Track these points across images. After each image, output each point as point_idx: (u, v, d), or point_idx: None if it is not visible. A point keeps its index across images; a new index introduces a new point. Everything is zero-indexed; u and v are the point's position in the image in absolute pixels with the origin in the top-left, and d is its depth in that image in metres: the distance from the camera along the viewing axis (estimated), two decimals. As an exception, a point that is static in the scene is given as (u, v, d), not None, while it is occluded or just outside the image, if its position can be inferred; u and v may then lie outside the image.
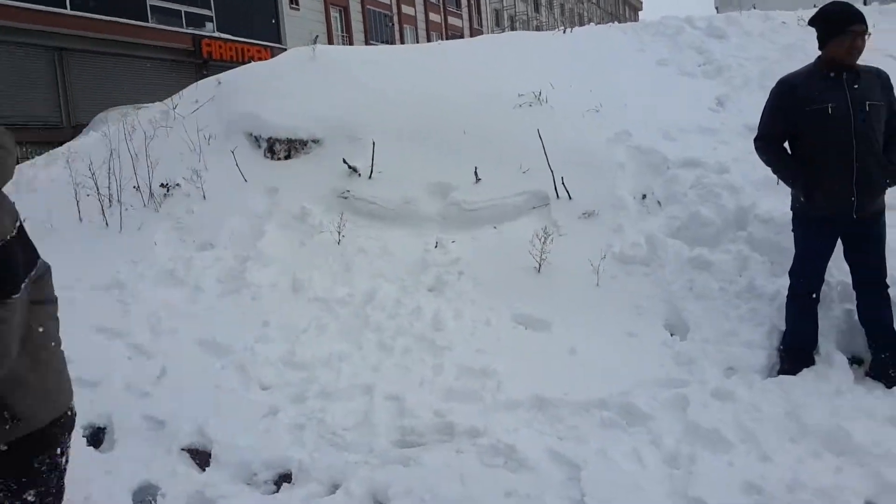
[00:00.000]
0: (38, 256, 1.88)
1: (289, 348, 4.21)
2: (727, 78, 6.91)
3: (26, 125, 17.17)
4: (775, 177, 4.13)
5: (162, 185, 6.22)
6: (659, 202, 5.16)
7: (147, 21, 21.74)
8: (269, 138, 6.56)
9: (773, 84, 3.80)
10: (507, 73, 7.11)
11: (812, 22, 3.69)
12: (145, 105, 10.06)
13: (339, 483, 3.13)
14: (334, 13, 31.59)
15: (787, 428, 3.18)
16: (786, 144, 3.74)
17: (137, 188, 6.19)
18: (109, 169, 6.25)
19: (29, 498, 1.90)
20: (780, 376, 3.61)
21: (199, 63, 22.70)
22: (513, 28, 47.26)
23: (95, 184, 6.08)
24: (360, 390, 3.77)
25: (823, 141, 3.50)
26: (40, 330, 1.88)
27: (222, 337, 4.36)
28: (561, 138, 5.66)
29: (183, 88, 8.46)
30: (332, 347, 4.18)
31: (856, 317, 3.75)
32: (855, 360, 3.71)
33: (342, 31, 32.12)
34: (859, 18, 3.49)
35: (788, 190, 3.83)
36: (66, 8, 19.22)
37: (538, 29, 44.84)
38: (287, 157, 6.44)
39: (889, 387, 3.45)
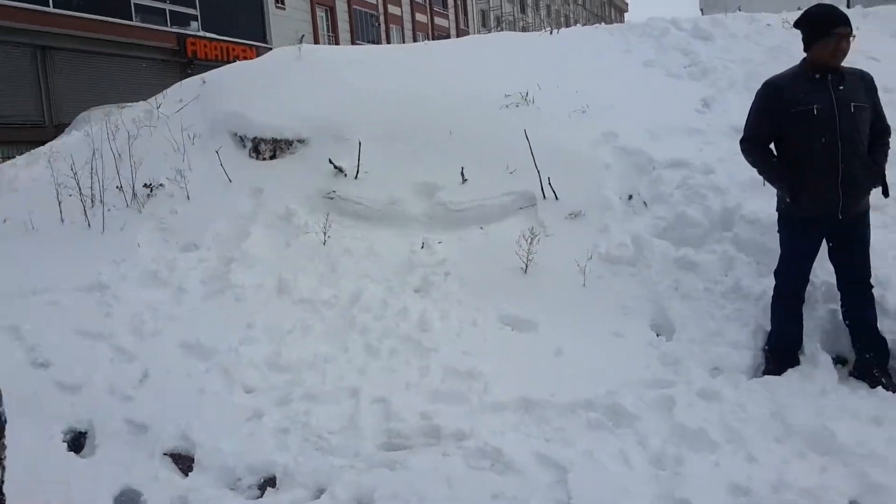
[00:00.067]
0: None
1: (274, 350, 4.18)
2: (713, 79, 6.93)
3: (8, 124, 16.98)
4: (761, 178, 4.14)
5: (145, 185, 6.15)
6: (645, 203, 5.17)
7: (131, 20, 21.57)
8: (255, 138, 6.50)
9: (759, 86, 3.82)
10: (493, 74, 7.10)
11: (797, 24, 3.70)
12: (129, 104, 9.95)
13: (324, 487, 3.11)
14: (320, 13, 31.49)
15: (772, 428, 3.19)
16: (771, 146, 3.75)
17: (120, 188, 6.12)
18: (92, 169, 6.17)
19: None
20: (766, 376, 3.62)
21: (184, 62, 22.55)
22: (499, 29, 47.31)
23: (77, 184, 6.01)
24: (345, 393, 3.74)
25: (809, 142, 3.52)
26: None
27: (206, 339, 4.31)
28: (547, 139, 5.65)
29: (167, 87, 8.37)
30: (318, 349, 4.15)
31: (840, 317, 3.77)
32: (839, 360, 3.74)
33: (328, 31, 32.03)
34: (844, 21, 3.51)
35: (774, 191, 3.85)
36: (49, 6, 19.03)
37: (524, 30, 44.93)
38: (272, 157, 6.40)
39: (873, 387, 3.47)
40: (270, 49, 16.90)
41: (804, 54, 3.67)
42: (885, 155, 3.68)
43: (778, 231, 3.83)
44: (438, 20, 43.32)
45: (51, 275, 5.23)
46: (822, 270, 3.91)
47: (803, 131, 3.53)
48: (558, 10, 62.18)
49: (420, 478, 3.08)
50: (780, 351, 3.72)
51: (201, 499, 3.11)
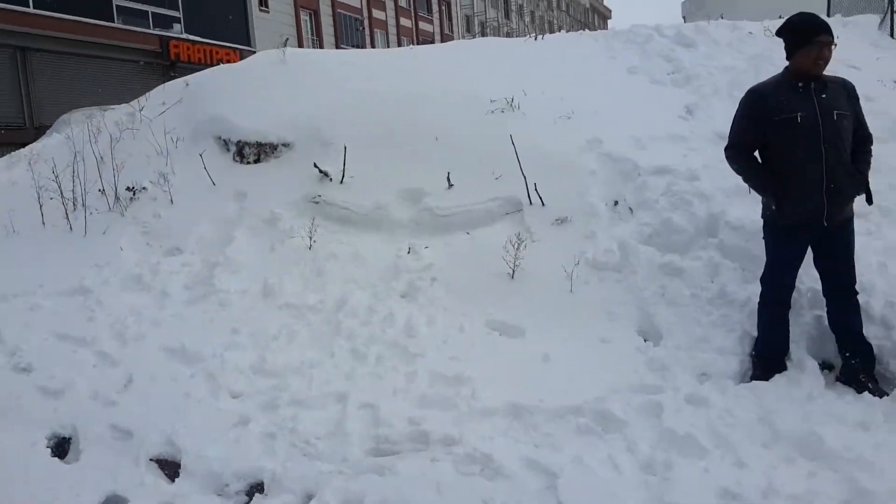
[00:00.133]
0: None
1: (259, 356, 4.14)
2: (696, 86, 7.00)
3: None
4: (745, 185, 4.18)
5: (128, 188, 6.09)
6: (630, 209, 5.19)
7: (113, 21, 21.39)
8: (239, 142, 6.47)
9: (742, 93, 3.84)
10: (479, 79, 7.11)
11: (779, 33, 3.74)
12: (111, 106, 9.86)
13: (312, 493, 3.08)
14: (304, 16, 31.44)
15: (760, 433, 3.20)
16: (756, 154, 3.78)
17: (102, 192, 6.06)
18: (74, 172, 6.11)
19: None
20: (753, 382, 3.64)
21: (167, 65, 22.39)
22: (483, 34, 47.49)
23: (59, 187, 5.94)
24: (332, 398, 3.71)
25: (793, 150, 3.54)
26: None
27: (191, 344, 4.27)
28: (533, 145, 5.66)
29: (150, 90, 8.31)
30: (304, 355, 4.12)
31: (826, 323, 3.79)
32: (826, 366, 3.76)
33: (312, 35, 31.97)
34: (826, 29, 3.55)
35: (758, 197, 3.88)
36: (29, 6, 18.82)
37: (508, 35, 45.09)
38: (257, 161, 6.36)
39: (859, 392, 3.49)
40: (254, 52, 16.82)
41: (786, 62, 3.70)
42: (868, 163, 3.72)
43: (763, 238, 3.85)
44: (423, 25, 43.39)
45: (32, 279, 5.16)
46: (808, 277, 3.95)
47: (787, 139, 3.55)
48: (542, 16, 62.52)
49: (409, 483, 3.06)
50: (767, 357, 3.74)
51: (187, 506, 3.07)
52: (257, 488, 3.20)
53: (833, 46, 3.59)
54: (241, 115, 6.64)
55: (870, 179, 3.70)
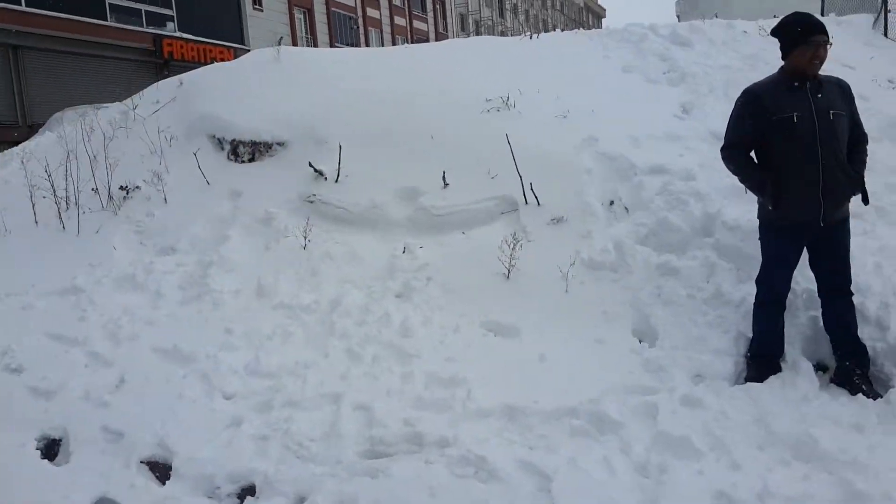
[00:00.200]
0: None
1: (253, 356, 4.11)
2: (691, 85, 6.99)
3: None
4: (741, 185, 4.16)
5: (121, 187, 6.06)
6: (626, 208, 5.18)
7: (106, 19, 21.31)
8: (233, 140, 6.43)
9: (737, 92, 3.83)
10: (474, 78, 7.09)
11: (774, 33, 3.72)
12: (104, 105, 9.82)
13: (305, 496, 3.05)
14: (298, 14, 31.36)
15: (755, 435, 3.19)
16: (752, 154, 3.77)
17: (96, 190, 6.03)
18: (66, 170, 6.06)
19: None
20: (748, 383, 3.63)
21: (160, 63, 22.33)
22: (478, 33, 47.47)
23: (52, 186, 5.90)
24: (326, 399, 3.68)
25: (789, 150, 3.53)
26: None
27: (184, 344, 4.24)
28: (529, 144, 5.65)
29: (143, 89, 8.26)
30: (298, 355, 4.09)
31: (821, 324, 3.79)
32: (820, 367, 3.76)
33: (306, 33, 31.90)
34: (821, 29, 3.54)
35: (754, 197, 3.87)
36: (21, 4, 18.72)
37: (503, 34, 45.09)
38: (251, 160, 6.33)
39: (853, 393, 3.49)
40: (248, 50, 16.76)
41: (781, 62, 3.69)
42: (864, 162, 3.72)
43: (759, 238, 3.84)
44: (417, 23, 43.34)
45: (24, 278, 5.13)
46: (803, 277, 3.94)
47: (783, 139, 3.54)
48: (536, 15, 62.53)
49: (402, 486, 3.04)
50: (762, 358, 3.74)
51: (179, 508, 3.04)
52: (249, 491, 3.17)
53: (828, 46, 3.58)
54: (236, 114, 6.61)
55: (865, 179, 3.69)
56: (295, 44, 28.49)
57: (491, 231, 5.19)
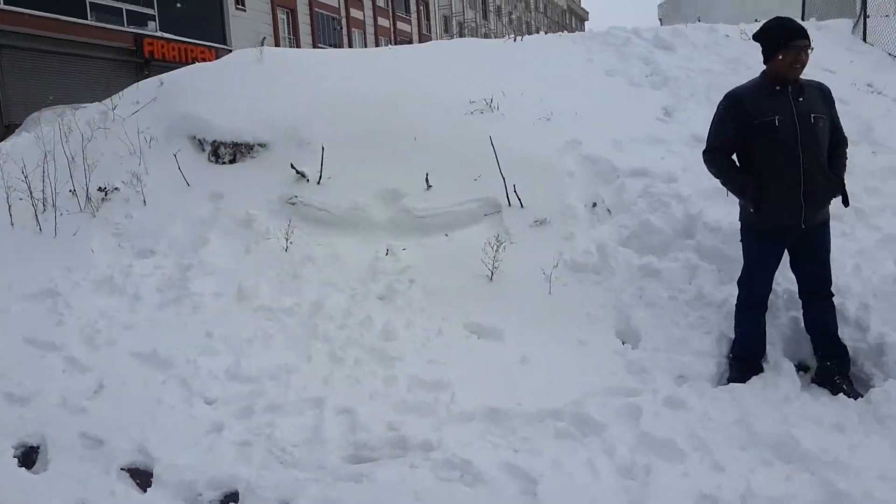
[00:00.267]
0: None
1: (234, 360, 4.06)
2: (674, 89, 7.03)
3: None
4: (723, 187, 4.18)
5: (100, 188, 5.98)
6: (609, 210, 5.19)
7: (86, 18, 21.09)
8: (214, 141, 6.38)
9: (719, 96, 3.85)
10: (457, 80, 7.08)
11: (756, 37, 3.74)
12: (83, 105, 9.70)
13: (288, 502, 3.02)
14: (281, 15, 31.22)
15: (737, 436, 3.20)
16: (734, 157, 3.79)
17: (73, 192, 5.94)
18: (44, 172, 5.97)
19: None
20: (730, 384, 3.65)
21: (141, 63, 22.13)
22: (461, 35, 47.50)
23: (29, 187, 5.81)
24: (309, 404, 3.65)
25: (771, 153, 3.55)
26: None
27: (163, 349, 4.18)
28: (512, 146, 5.65)
29: (123, 88, 8.17)
30: (280, 359, 4.05)
31: (802, 324, 3.82)
32: (801, 367, 3.79)
33: (289, 34, 31.76)
34: (802, 34, 3.56)
35: (735, 199, 3.89)
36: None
37: (486, 36, 45.21)
38: (232, 161, 6.28)
39: (834, 393, 3.52)
40: (230, 51, 16.64)
41: (762, 66, 3.72)
42: (844, 166, 3.75)
43: (741, 241, 3.86)
44: (401, 25, 43.30)
45: (-1, 281, 5.04)
46: (784, 279, 3.97)
47: (765, 142, 3.56)
48: (520, 17, 62.70)
49: (387, 491, 3.01)
50: (744, 359, 3.76)
51: (160, 515, 3.00)
52: (232, 497, 3.13)
53: (809, 50, 3.60)
54: (217, 115, 6.55)
55: (845, 182, 3.72)
56: (278, 44, 28.36)
57: (474, 233, 5.19)
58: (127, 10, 22.69)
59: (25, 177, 5.80)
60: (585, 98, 6.77)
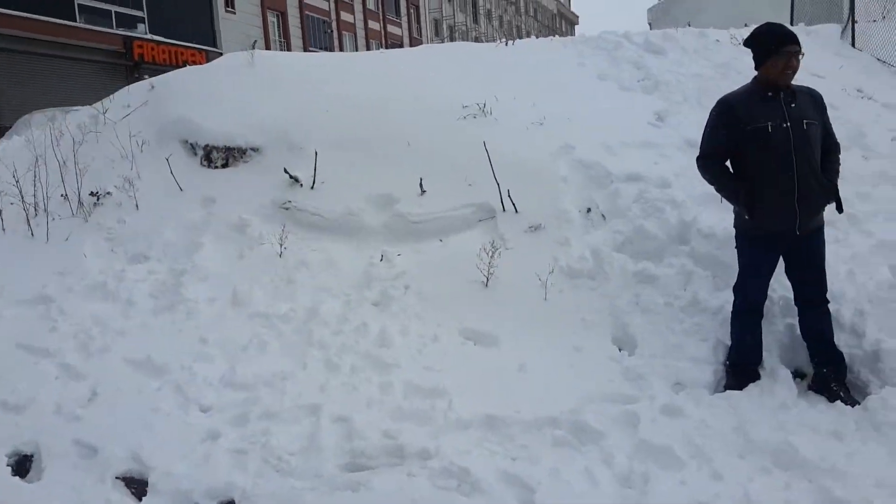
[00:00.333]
0: None
1: (229, 367, 4.05)
2: (665, 93, 7.06)
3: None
4: (717, 193, 4.19)
5: (91, 193, 5.94)
6: (603, 216, 5.20)
7: (75, 21, 20.95)
8: (206, 145, 6.35)
9: (710, 100, 3.86)
10: (450, 84, 7.08)
11: (747, 43, 3.76)
12: (73, 108, 9.63)
13: (285, 511, 3.01)
14: (271, 18, 31.13)
15: (735, 444, 3.20)
16: (727, 163, 3.80)
17: (65, 197, 5.90)
18: (35, 176, 5.93)
19: None
20: (727, 391, 3.65)
21: (131, 65, 22.00)
22: (452, 38, 47.56)
23: (20, 192, 5.76)
24: (305, 411, 3.63)
25: (764, 159, 3.56)
26: None
27: (158, 356, 4.16)
28: (505, 150, 5.65)
29: (113, 91, 8.12)
30: (275, 366, 4.03)
31: (798, 331, 3.83)
32: (798, 374, 3.79)
33: (280, 37, 31.67)
34: (793, 39, 3.58)
35: (729, 205, 3.90)
36: (-14, 4, 18.35)
37: (477, 40, 45.27)
38: (225, 166, 6.25)
39: (831, 400, 3.52)
40: (220, 53, 16.57)
41: (753, 70, 3.73)
42: (837, 171, 3.76)
43: (736, 247, 3.87)
44: (391, 28, 43.28)
45: (-10, 287, 4.99)
46: (780, 285, 3.98)
47: (758, 149, 3.57)
48: (510, 21, 62.83)
49: (384, 500, 3.00)
50: (741, 366, 3.77)
51: (155, 525, 2.97)
52: (228, 506, 3.11)
53: (800, 56, 3.62)
54: (209, 119, 6.52)
55: (839, 187, 3.73)
56: (268, 47, 28.29)
57: (469, 238, 5.18)
58: (116, 13, 22.56)
59: (17, 181, 5.75)
60: (578, 102, 6.78)
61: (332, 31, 35.82)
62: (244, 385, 3.89)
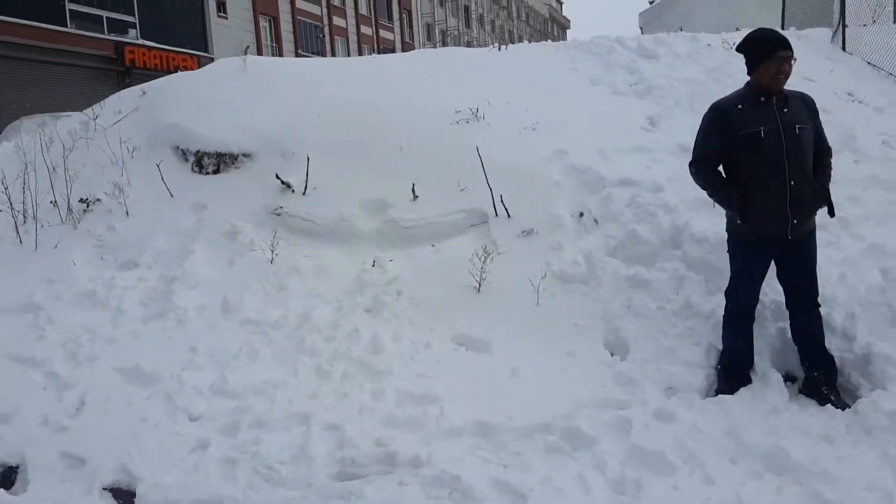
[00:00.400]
0: None
1: (219, 375, 4.00)
2: (658, 98, 7.07)
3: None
4: (709, 198, 4.19)
5: (81, 200, 5.90)
6: (596, 220, 5.20)
7: (66, 26, 20.87)
8: (197, 151, 6.32)
9: (702, 105, 3.86)
10: (443, 89, 7.07)
11: (740, 48, 3.76)
12: (64, 114, 9.60)
13: (275, 521, 2.98)
14: (263, 23, 31.10)
15: (727, 448, 3.20)
16: (720, 168, 3.80)
17: (55, 203, 5.86)
18: (24, 183, 5.89)
19: None
20: (719, 396, 3.65)
21: (122, 71, 21.94)
22: (444, 43, 47.60)
23: (8, 199, 5.71)
24: (296, 420, 3.60)
25: (757, 164, 3.56)
26: None
27: (147, 364, 4.11)
28: (498, 156, 5.64)
29: (104, 97, 8.09)
30: (266, 374, 4.00)
31: (789, 335, 3.83)
32: (789, 378, 3.79)
33: (271, 42, 31.64)
34: (785, 44, 3.58)
35: (721, 210, 3.90)
36: (-25, 9, 18.27)
37: (469, 44, 45.35)
38: (216, 172, 6.22)
39: (822, 404, 3.53)
40: (212, 59, 16.53)
41: (744, 75, 3.74)
42: (829, 176, 3.77)
43: (728, 251, 3.87)
44: (384, 33, 43.30)
45: (-22, 295, 4.95)
46: (771, 289, 3.98)
47: (751, 153, 3.57)
48: (502, 26, 62.97)
49: (376, 509, 2.98)
50: (733, 370, 3.76)
51: (143, 536, 2.94)
52: (218, 516, 3.08)
53: (793, 61, 3.62)
54: (201, 124, 6.49)
55: (830, 192, 3.74)
56: (260, 52, 28.26)
57: (461, 244, 5.17)
58: (107, 18, 22.49)
59: (5, 188, 5.71)
60: (570, 107, 6.78)
61: (324, 36, 35.81)
62: (234, 393, 3.86)
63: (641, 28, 26.85)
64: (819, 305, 3.71)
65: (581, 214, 5.27)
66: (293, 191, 5.74)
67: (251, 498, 3.09)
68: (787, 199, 3.51)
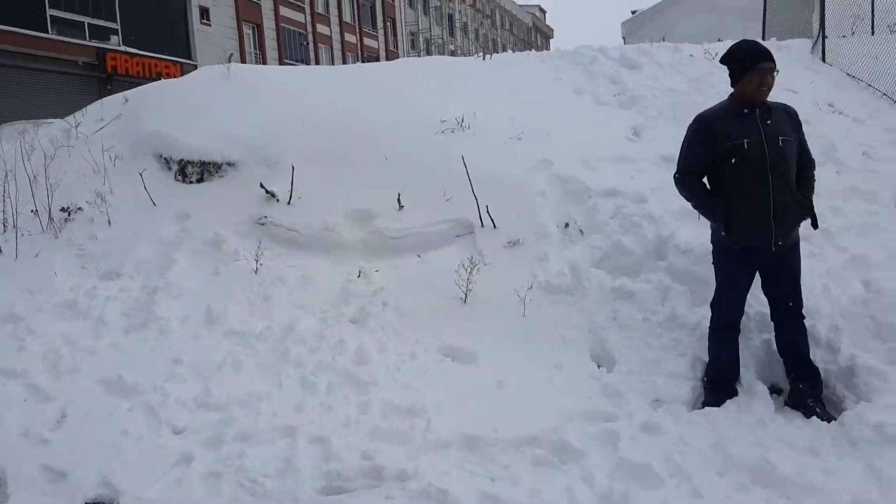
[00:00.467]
0: None
1: (203, 387, 3.96)
2: (641, 108, 7.12)
3: None
4: (694, 209, 4.21)
5: (63, 209, 5.83)
6: (581, 231, 5.21)
7: (47, 32, 20.65)
8: (181, 160, 6.27)
9: (685, 115, 3.89)
10: (427, 97, 7.08)
11: (723, 60, 3.79)
12: (45, 121, 9.47)
13: (260, 536, 2.94)
14: (247, 30, 30.99)
15: (714, 461, 3.20)
16: (704, 180, 3.82)
17: (35, 212, 5.78)
18: (4, 191, 5.82)
19: None
20: (705, 408, 3.66)
21: (104, 77, 21.75)
22: (428, 51, 47.71)
23: (-12, 207, 5.65)
24: (281, 432, 3.56)
25: (740, 175, 3.58)
26: None
27: (129, 375, 4.06)
28: (484, 165, 5.65)
29: (85, 104, 8.01)
30: (250, 386, 3.96)
31: (774, 347, 3.84)
32: (774, 390, 3.80)
33: (255, 49, 31.53)
34: (768, 56, 3.61)
35: (706, 221, 3.92)
36: (-46, 15, 18.04)
37: (453, 53, 45.48)
38: (200, 181, 6.18)
39: (808, 416, 3.54)
40: (195, 66, 16.45)
41: (727, 86, 3.76)
42: (812, 188, 3.79)
43: (713, 263, 3.89)
44: (368, 41, 43.29)
45: (-44, 306, 4.86)
46: (756, 301, 4.00)
47: (735, 165, 3.59)
48: (486, 35, 63.20)
49: (362, 523, 2.95)
50: (718, 382, 3.77)
51: (125, 553, 2.89)
52: (201, 531, 3.04)
53: (776, 73, 3.65)
54: (184, 133, 6.45)
55: (814, 203, 3.77)
56: (243, 60, 28.14)
57: (447, 254, 5.16)
58: (89, 24, 22.30)
59: (-15, 197, 5.64)
60: (555, 117, 6.81)
61: (307, 44, 35.75)
62: (218, 406, 3.81)
63: (624, 38, 27.04)
64: (803, 317, 3.72)
65: (566, 225, 5.28)
66: (278, 200, 5.72)
67: (236, 513, 3.05)
68: (770, 211, 3.53)
